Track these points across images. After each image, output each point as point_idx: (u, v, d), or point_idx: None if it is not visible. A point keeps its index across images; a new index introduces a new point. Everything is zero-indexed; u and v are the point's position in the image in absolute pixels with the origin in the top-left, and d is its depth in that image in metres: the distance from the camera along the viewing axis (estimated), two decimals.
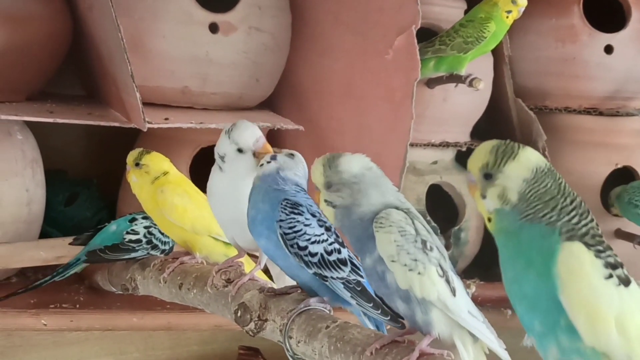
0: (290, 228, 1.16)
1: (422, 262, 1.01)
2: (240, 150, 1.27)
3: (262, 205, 1.18)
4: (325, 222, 1.18)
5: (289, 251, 1.16)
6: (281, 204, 1.17)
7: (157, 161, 1.47)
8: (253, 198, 1.20)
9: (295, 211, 1.17)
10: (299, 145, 1.91)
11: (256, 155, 1.27)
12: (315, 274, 1.15)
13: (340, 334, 1.06)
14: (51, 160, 1.93)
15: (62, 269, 1.60)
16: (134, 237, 1.55)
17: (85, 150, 2.21)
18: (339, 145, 1.85)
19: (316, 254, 1.15)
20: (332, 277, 1.15)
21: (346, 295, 1.15)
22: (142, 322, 1.72)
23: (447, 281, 1.01)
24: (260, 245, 1.21)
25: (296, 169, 1.20)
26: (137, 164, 1.46)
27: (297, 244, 1.16)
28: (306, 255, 1.15)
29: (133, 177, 1.47)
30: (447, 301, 1.00)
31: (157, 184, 1.45)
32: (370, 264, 1.04)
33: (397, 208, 1.04)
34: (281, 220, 1.16)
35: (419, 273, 1.00)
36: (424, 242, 1.02)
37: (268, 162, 1.20)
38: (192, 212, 1.43)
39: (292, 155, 1.21)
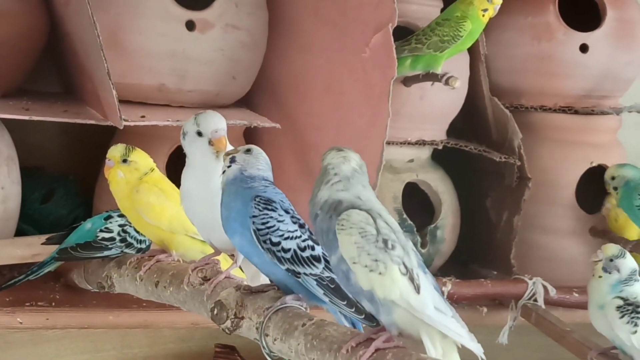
0: (263, 224, 1.17)
1: (383, 261, 1.01)
2: (199, 134, 1.29)
3: (234, 204, 1.19)
4: (299, 219, 1.19)
5: (262, 247, 1.16)
6: (254, 200, 1.18)
7: (144, 157, 1.46)
8: (224, 200, 1.20)
9: (269, 207, 1.17)
10: (277, 142, 1.91)
11: (211, 143, 1.28)
12: (288, 270, 1.16)
13: (317, 332, 1.06)
14: (27, 157, 1.92)
15: (37, 267, 1.59)
16: (107, 235, 1.53)
17: (61, 147, 2.20)
18: (318, 142, 1.85)
19: (289, 249, 1.16)
20: (304, 274, 1.16)
21: (319, 292, 1.16)
22: (118, 320, 1.71)
23: (411, 279, 1.02)
24: (234, 242, 1.21)
25: (258, 164, 1.21)
26: (124, 160, 1.45)
27: (270, 239, 1.16)
28: (279, 251, 1.16)
29: (119, 173, 1.45)
30: (410, 299, 1.01)
31: (144, 181, 1.44)
32: (335, 262, 1.05)
33: (359, 208, 1.05)
34: (254, 216, 1.17)
35: (380, 273, 1.01)
36: (385, 241, 1.02)
37: (229, 167, 1.21)
38: (168, 211, 1.42)
39: (249, 150, 1.22)
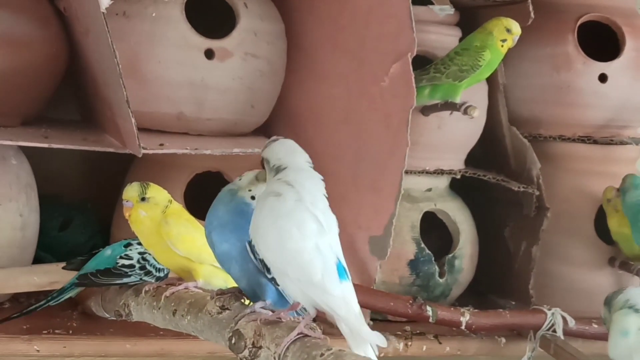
0: None
1: None
2: None
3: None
4: None
5: (255, 258, 1.22)
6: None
7: (160, 191, 1.46)
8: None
9: None
10: None
11: None
12: (272, 279, 1.21)
13: None
14: (45, 185, 1.92)
15: (57, 293, 1.60)
16: (127, 262, 1.54)
17: (79, 174, 2.21)
18: (335, 171, 1.84)
19: None
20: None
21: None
22: (135, 349, 1.71)
23: None
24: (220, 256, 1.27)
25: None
26: (143, 199, 1.45)
27: None
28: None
29: (141, 212, 1.44)
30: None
31: (168, 214, 1.44)
32: None
33: None
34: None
35: None
36: None
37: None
38: (198, 241, 1.43)
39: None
